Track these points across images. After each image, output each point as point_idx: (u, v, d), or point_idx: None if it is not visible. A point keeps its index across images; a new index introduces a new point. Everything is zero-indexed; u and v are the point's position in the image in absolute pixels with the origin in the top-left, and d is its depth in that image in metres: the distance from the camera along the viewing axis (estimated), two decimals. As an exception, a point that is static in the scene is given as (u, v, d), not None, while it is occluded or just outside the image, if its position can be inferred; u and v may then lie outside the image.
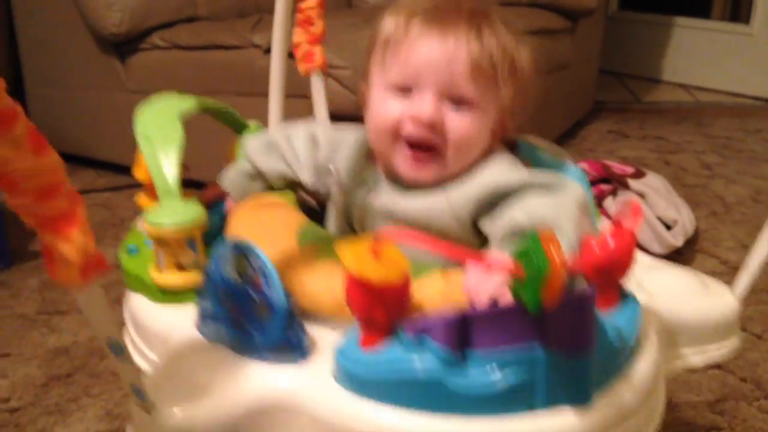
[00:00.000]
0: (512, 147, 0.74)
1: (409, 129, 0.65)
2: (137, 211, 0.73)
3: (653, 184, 1.62)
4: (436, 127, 0.64)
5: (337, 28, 1.68)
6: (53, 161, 0.54)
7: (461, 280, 0.56)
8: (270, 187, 0.77)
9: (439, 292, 0.57)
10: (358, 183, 0.70)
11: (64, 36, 1.99)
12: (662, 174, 1.74)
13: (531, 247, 0.47)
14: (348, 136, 0.72)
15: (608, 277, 0.56)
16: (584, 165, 1.64)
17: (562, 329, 0.49)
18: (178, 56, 1.82)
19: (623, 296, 0.58)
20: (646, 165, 2.00)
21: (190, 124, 0.73)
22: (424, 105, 0.64)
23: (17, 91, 2.11)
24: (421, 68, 0.64)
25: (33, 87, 2.10)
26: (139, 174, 0.71)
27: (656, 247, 1.50)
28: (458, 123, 0.64)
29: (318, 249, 0.63)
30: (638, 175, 1.64)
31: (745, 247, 1.28)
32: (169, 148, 0.67)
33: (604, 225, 0.75)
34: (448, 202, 0.65)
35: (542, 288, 0.45)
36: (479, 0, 0.69)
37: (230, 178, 0.77)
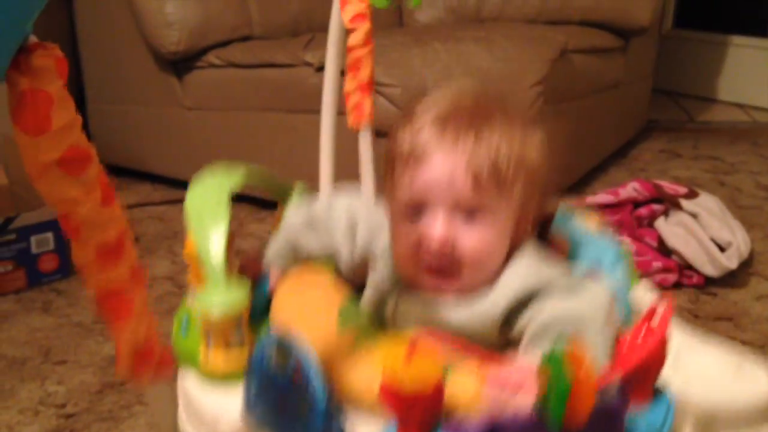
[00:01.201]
0: (548, 220, 0.74)
1: (426, 258, 0.65)
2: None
3: (707, 204, 1.59)
4: (447, 247, 0.64)
5: (388, 47, 1.71)
6: (118, 216, 0.55)
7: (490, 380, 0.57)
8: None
9: (472, 389, 0.58)
10: (391, 280, 0.70)
11: (124, 53, 2.05)
12: (717, 195, 1.71)
13: (554, 364, 0.49)
14: (386, 223, 0.72)
15: (641, 378, 0.56)
16: (635, 184, 1.62)
17: None
18: (233, 74, 1.87)
19: (656, 391, 0.58)
20: (700, 185, 1.96)
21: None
22: (434, 226, 0.64)
23: (79, 106, 2.17)
24: (426, 187, 0.64)
25: (94, 102, 2.17)
26: (188, 253, 0.73)
27: (710, 269, 1.47)
28: (471, 239, 0.64)
29: (358, 334, 0.65)
30: (691, 195, 1.61)
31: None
32: (216, 231, 0.69)
33: (638, 311, 0.71)
34: (475, 312, 0.65)
35: (565, 407, 0.48)
36: (487, 97, 0.68)
37: (274, 249, 0.79)
